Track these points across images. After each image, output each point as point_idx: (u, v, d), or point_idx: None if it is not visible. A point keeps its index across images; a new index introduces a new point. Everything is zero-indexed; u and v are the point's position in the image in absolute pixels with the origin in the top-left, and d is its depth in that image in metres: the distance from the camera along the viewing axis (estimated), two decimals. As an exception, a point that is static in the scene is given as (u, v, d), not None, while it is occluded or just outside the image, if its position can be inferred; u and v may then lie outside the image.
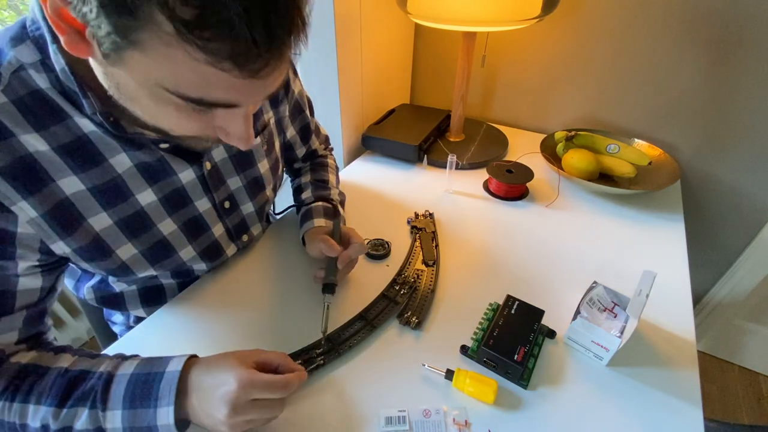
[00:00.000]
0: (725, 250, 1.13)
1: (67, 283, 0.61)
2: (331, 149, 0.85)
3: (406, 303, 0.61)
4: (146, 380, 0.40)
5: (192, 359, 0.43)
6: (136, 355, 0.45)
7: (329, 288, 0.56)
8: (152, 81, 0.31)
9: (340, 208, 0.72)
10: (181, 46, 0.28)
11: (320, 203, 0.69)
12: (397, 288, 0.63)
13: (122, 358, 0.44)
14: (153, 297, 0.62)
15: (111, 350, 0.54)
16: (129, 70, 0.31)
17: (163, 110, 0.35)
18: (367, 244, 0.70)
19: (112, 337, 0.73)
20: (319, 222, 0.65)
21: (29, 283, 0.44)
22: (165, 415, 0.39)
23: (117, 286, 0.59)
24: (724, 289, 1.19)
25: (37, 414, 0.39)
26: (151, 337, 0.56)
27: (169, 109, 0.34)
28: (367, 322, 0.58)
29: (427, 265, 0.67)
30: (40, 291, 0.45)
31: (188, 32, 0.27)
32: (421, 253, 0.70)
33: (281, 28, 0.30)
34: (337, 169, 0.81)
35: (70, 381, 0.41)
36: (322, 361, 0.52)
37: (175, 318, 0.58)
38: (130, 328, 0.60)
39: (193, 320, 0.58)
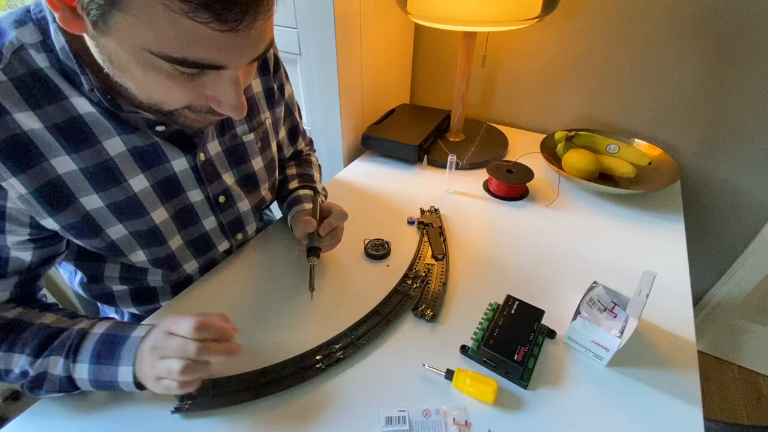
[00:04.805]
0: (725, 250, 1.13)
1: (62, 273, 0.62)
2: (314, 150, 0.87)
3: (420, 296, 0.61)
4: (113, 341, 0.44)
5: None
6: (112, 318, 0.49)
7: (313, 251, 0.59)
8: (138, 46, 0.32)
9: (321, 189, 0.75)
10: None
11: (307, 190, 0.71)
12: (410, 282, 0.64)
13: (99, 319, 0.48)
14: (144, 297, 0.62)
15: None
16: (116, 36, 0.32)
17: (153, 79, 0.35)
18: (367, 243, 0.70)
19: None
20: (309, 205, 0.67)
21: (20, 255, 0.46)
22: (125, 373, 0.43)
23: (108, 285, 0.59)
24: (724, 289, 1.19)
25: (18, 361, 0.43)
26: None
27: (160, 78, 0.35)
28: (382, 317, 0.58)
29: (436, 260, 0.68)
30: (30, 264, 0.47)
31: None
32: (429, 248, 0.70)
33: None
34: (319, 167, 0.85)
35: (49, 335, 0.45)
36: (342, 356, 0.52)
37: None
38: None
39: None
